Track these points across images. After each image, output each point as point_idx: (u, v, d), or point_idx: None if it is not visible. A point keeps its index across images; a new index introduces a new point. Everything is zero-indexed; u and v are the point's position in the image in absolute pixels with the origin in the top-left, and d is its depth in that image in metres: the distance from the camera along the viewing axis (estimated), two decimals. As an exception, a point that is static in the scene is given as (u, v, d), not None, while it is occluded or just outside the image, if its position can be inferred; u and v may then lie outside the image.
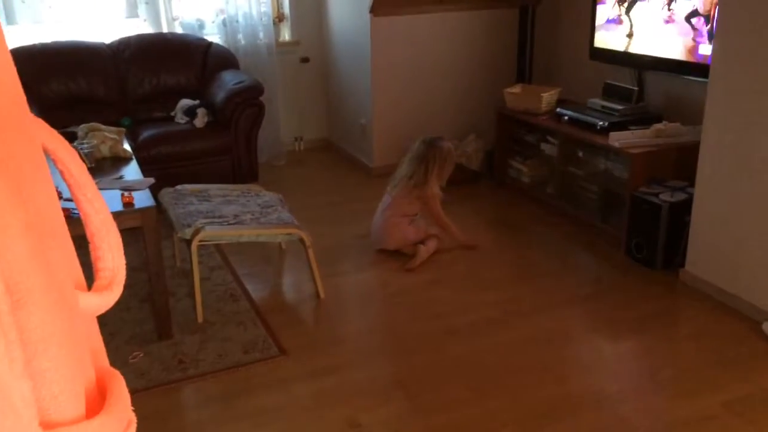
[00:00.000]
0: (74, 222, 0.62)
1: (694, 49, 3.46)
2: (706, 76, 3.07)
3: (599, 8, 4.07)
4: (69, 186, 0.59)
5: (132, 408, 0.54)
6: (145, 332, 2.88)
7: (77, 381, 0.48)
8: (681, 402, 2.43)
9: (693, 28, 3.44)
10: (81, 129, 3.50)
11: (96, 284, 0.58)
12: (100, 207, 0.60)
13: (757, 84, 2.77)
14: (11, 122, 0.48)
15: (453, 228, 3.64)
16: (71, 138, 3.44)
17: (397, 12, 4.58)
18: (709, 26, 3.35)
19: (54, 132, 0.58)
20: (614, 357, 2.74)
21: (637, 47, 3.82)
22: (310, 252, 3.10)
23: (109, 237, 0.60)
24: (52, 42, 4.46)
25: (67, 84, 4.39)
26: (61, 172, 0.59)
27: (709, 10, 3.35)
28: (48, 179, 0.53)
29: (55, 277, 0.47)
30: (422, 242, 3.57)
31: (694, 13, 3.46)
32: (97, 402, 0.51)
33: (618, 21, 3.93)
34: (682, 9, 3.49)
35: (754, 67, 2.77)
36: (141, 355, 2.72)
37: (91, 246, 0.60)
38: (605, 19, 4.03)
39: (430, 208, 3.61)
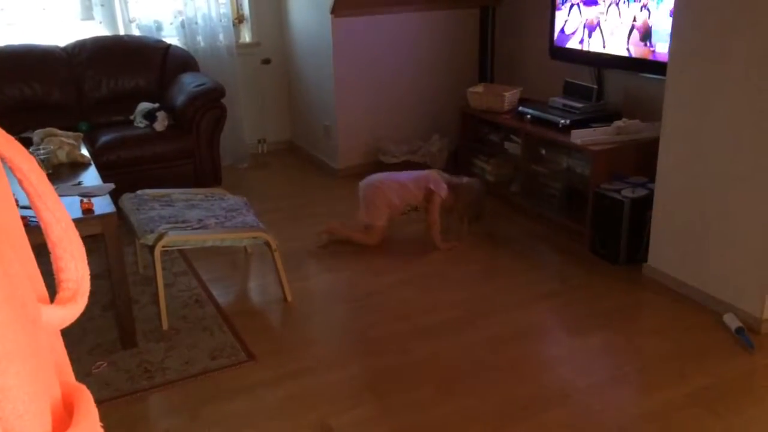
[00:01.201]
0: (33, 230, 0.59)
1: (650, 48, 3.52)
2: (663, 73, 3.13)
3: (557, 14, 4.12)
4: (28, 194, 0.57)
5: (101, 424, 0.52)
6: (108, 341, 2.82)
7: (43, 398, 0.46)
8: (647, 395, 2.47)
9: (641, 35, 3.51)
10: (36, 134, 3.41)
11: (59, 296, 0.56)
12: (61, 216, 0.57)
13: (712, 80, 2.83)
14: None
15: (437, 235, 3.68)
16: (26, 144, 3.35)
17: (358, 12, 4.57)
18: (647, 37, 3.43)
19: (11, 138, 0.55)
20: (581, 352, 2.77)
21: (596, 46, 3.88)
22: (277, 255, 3.07)
23: (72, 246, 0.58)
24: (4, 45, 4.34)
25: (21, 88, 4.28)
26: (20, 181, 0.56)
27: (645, 22, 3.47)
28: (5, 188, 0.51)
29: (16, 291, 0.45)
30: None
31: (632, 29, 3.55)
32: (63, 419, 0.49)
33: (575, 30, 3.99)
34: (629, 15, 3.55)
35: (710, 65, 2.83)
36: (105, 364, 2.66)
37: (52, 256, 0.58)
38: (562, 26, 4.08)
39: (431, 204, 3.67)
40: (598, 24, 3.84)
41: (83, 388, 0.53)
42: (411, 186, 3.69)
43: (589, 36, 3.92)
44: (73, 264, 0.57)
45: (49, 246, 0.58)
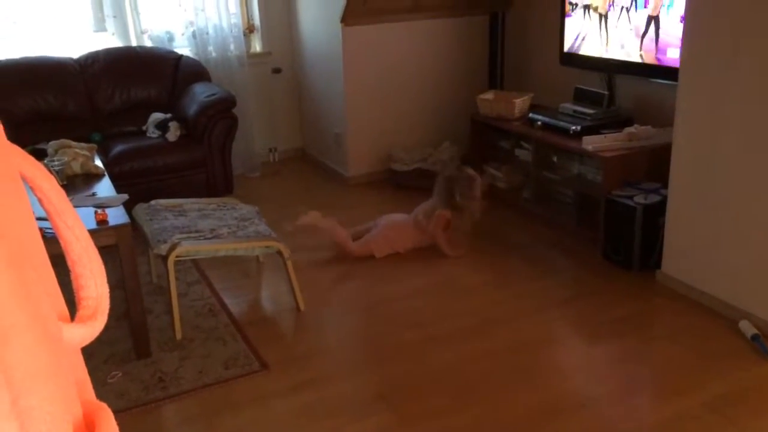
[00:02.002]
0: (48, 242, 0.60)
1: (662, 53, 3.51)
2: (675, 78, 3.12)
3: (567, 21, 4.12)
4: (48, 213, 0.57)
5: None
6: (122, 351, 2.83)
7: (65, 418, 0.46)
8: (663, 403, 2.45)
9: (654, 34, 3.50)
10: (51, 146, 3.44)
11: (79, 314, 0.56)
12: (80, 234, 0.58)
13: (725, 85, 2.82)
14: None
15: (445, 245, 3.70)
16: (41, 155, 3.38)
17: (368, 21, 4.58)
18: (656, 30, 3.43)
19: (31, 158, 0.56)
20: (595, 360, 2.76)
21: (607, 52, 3.87)
22: (289, 264, 3.08)
23: (92, 264, 0.58)
24: (18, 58, 4.38)
25: (35, 100, 4.32)
26: (40, 200, 0.57)
27: (656, 28, 3.47)
28: (27, 209, 0.51)
29: (38, 311, 0.46)
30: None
31: (648, 21, 3.54)
32: (85, 438, 0.50)
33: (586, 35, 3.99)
34: (639, 18, 3.55)
35: (722, 69, 2.82)
36: (119, 375, 2.67)
37: (72, 274, 0.58)
38: (574, 32, 4.08)
39: (435, 226, 3.71)
40: (609, 30, 3.83)
41: (104, 406, 0.53)
42: (418, 230, 3.75)
43: (599, 42, 3.91)
44: (93, 282, 0.58)
45: (69, 264, 0.58)
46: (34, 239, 0.51)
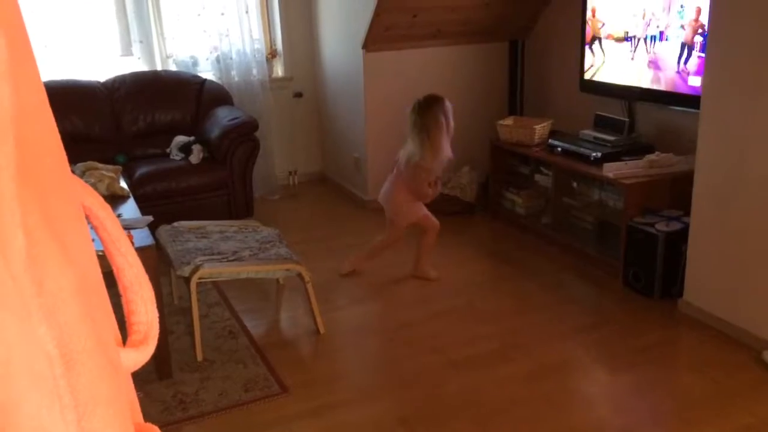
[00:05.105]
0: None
1: (683, 81, 3.52)
2: (696, 106, 3.12)
3: (587, 48, 4.14)
4: (103, 240, 0.59)
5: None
6: (144, 371, 2.84)
7: (122, 440, 0.48)
8: (686, 433, 2.42)
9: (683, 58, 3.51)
10: (77, 168, 3.50)
11: (131, 339, 0.58)
12: (133, 260, 0.60)
13: (748, 112, 2.82)
14: (57, 183, 0.49)
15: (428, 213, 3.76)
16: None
17: (389, 47, 4.64)
18: (688, 57, 3.43)
19: (89, 188, 0.58)
20: (616, 389, 2.73)
21: (627, 79, 3.89)
22: (309, 287, 3.09)
23: (143, 290, 0.60)
24: (46, 81, 4.48)
25: (62, 122, 4.35)
26: (96, 227, 0.59)
27: (692, 40, 3.45)
28: (88, 237, 0.54)
29: (101, 337, 0.48)
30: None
31: (683, 47, 3.53)
32: (138, 460, 0.51)
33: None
34: (665, 49, 3.56)
35: (745, 96, 2.82)
36: (141, 395, 2.68)
37: (123, 299, 0.60)
38: (592, 59, 4.10)
39: (418, 174, 3.61)
40: (630, 57, 3.85)
41: (155, 429, 0.55)
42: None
43: (620, 69, 3.93)
44: (144, 308, 0.60)
45: (121, 289, 0.60)
46: (94, 267, 0.53)
